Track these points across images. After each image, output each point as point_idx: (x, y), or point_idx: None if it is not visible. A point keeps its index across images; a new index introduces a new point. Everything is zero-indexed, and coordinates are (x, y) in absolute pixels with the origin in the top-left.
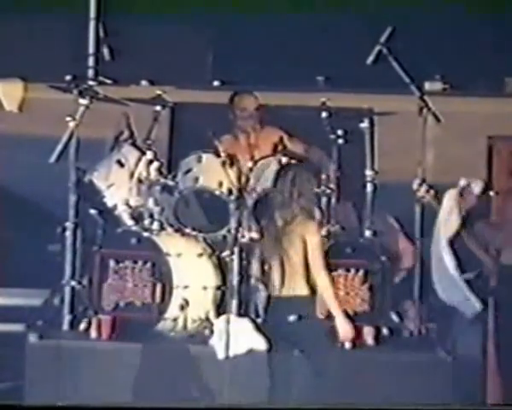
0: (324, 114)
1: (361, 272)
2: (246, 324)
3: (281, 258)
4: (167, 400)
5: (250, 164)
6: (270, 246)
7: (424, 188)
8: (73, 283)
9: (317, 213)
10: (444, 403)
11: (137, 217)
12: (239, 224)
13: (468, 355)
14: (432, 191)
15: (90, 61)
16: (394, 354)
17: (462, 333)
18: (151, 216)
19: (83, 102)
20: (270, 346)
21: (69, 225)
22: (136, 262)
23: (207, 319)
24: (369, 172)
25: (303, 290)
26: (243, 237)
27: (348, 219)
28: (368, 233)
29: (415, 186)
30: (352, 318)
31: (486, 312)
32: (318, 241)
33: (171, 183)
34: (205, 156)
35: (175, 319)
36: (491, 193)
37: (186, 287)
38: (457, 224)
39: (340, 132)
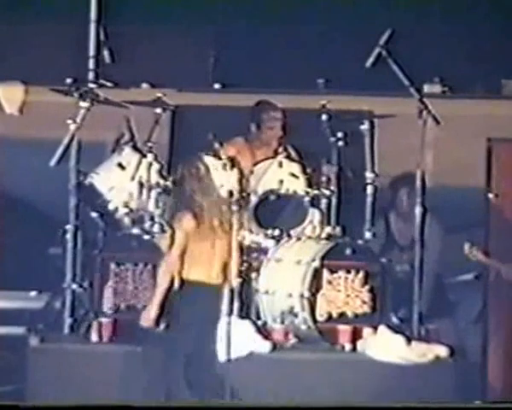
0: (324, 117)
1: (361, 274)
2: (247, 326)
3: None
4: (168, 401)
5: (249, 167)
6: None
7: (475, 248)
8: (74, 286)
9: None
10: (443, 402)
11: (138, 220)
12: (240, 226)
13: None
14: (480, 250)
15: (91, 64)
16: None
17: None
18: (152, 219)
19: (83, 104)
20: None
21: (70, 228)
22: (136, 265)
23: None
24: (369, 175)
25: None
26: (244, 239)
27: None
28: (368, 235)
29: (467, 249)
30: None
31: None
32: None
33: (171, 185)
34: (205, 159)
35: None
36: (490, 195)
37: None
38: None
39: (340, 135)
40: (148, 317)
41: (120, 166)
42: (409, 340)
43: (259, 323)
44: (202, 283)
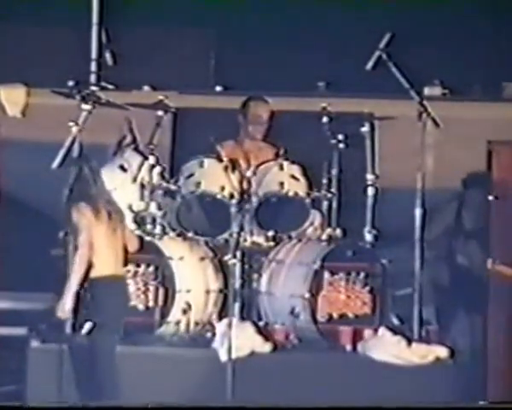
0: (325, 119)
1: (362, 275)
2: (248, 327)
3: None
4: (169, 402)
5: (252, 169)
6: None
7: (497, 262)
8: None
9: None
10: (444, 402)
11: (140, 221)
12: (241, 228)
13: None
14: (502, 263)
15: (93, 67)
16: None
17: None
18: (153, 220)
19: (85, 107)
20: None
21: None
22: (138, 266)
23: (210, 322)
24: (369, 176)
25: None
26: (245, 240)
27: None
28: (368, 237)
29: (489, 265)
30: None
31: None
32: None
33: (173, 187)
34: (207, 161)
35: (177, 323)
36: (491, 197)
37: (188, 291)
38: None
39: (340, 137)
40: (63, 308)
41: (122, 168)
42: (409, 341)
43: (261, 324)
44: (111, 276)
